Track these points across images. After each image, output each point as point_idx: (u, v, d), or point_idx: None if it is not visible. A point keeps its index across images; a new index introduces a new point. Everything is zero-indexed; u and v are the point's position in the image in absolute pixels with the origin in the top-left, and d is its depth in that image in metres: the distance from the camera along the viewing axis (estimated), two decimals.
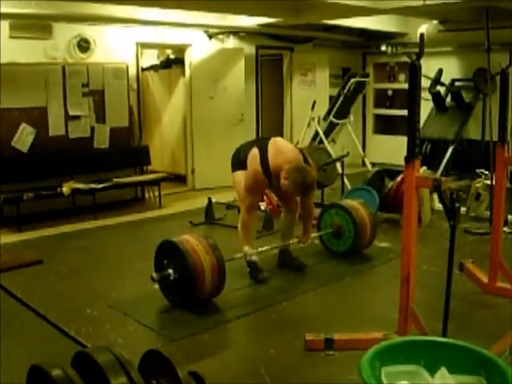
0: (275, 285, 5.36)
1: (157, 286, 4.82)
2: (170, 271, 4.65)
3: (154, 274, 4.69)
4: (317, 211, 6.46)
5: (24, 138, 7.93)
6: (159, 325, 4.60)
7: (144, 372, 2.69)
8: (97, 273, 5.85)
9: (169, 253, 4.74)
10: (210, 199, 7.76)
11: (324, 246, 6.29)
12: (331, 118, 9.81)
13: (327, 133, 9.81)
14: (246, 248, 5.30)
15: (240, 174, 5.34)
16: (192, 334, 4.33)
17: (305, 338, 4.00)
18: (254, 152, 5.25)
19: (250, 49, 10.57)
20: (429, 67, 9.40)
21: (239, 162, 5.39)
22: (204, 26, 9.58)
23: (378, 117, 12.89)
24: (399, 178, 7.21)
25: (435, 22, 9.62)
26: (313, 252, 6.24)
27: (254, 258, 5.44)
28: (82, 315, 4.68)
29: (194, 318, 4.60)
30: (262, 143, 5.35)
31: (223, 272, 4.72)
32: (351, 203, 6.23)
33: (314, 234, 6.05)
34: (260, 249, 5.44)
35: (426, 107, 10.26)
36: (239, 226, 5.39)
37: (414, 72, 3.48)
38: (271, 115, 11.89)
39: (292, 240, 5.72)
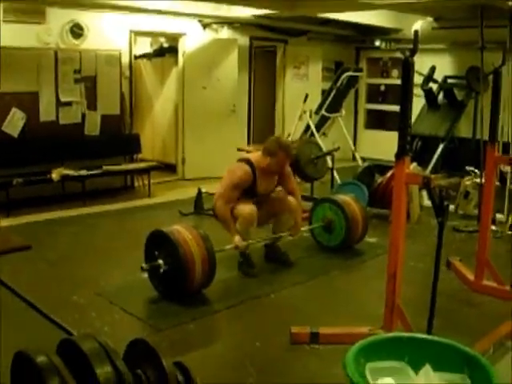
0: (263, 277, 5.37)
1: (146, 275, 4.81)
2: (160, 262, 4.64)
3: (144, 265, 4.69)
4: (307, 205, 6.47)
5: (15, 122, 7.88)
6: (146, 314, 4.60)
7: (129, 361, 2.69)
8: (85, 260, 5.84)
9: (159, 243, 4.72)
10: (199, 189, 7.76)
11: (315, 240, 6.29)
12: (323, 111, 9.82)
13: (319, 126, 9.82)
14: (236, 238, 5.23)
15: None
16: (178, 324, 4.34)
17: (290, 331, 4.01)
18: (231, 165, 5.53)
19: (243, 40, 10.54)
20: (422, 64, 9.41)
21: None
22: (198, 16, 9.54)
23: (369, 112, 12.90)
24: (389, 174, 7.23)
25: (430, 18, 9.64)
26: (302, 245, 6.25)
27: (247, 250, 5.45)
28: (69, 302, 4.68)
29: (181, 308, 4.60)
30: None
31: (214, 263, 4.71)
32: (344, 198, 6.23)
33: (304, 228, 6.06)
34: (250, 241, 5.42)
35: (418, 104, 10.27)
36: (221, 220, 5.37)
37: (407, 68, 3.48)
38: (263, 107, 11.87)
39: (283, 233, 5.70)
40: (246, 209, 5.27)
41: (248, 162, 5.36)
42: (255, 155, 5.49)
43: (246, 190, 5.33)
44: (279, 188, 5.69)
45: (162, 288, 4.77)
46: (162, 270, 4.64)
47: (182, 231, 4.72)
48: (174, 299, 4.68)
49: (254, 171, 5.31)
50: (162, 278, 4.71)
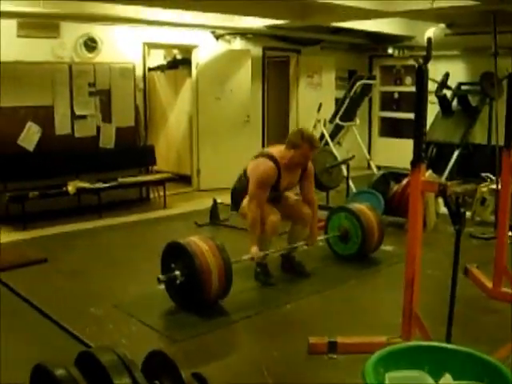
0: (279, 287, 5.36)
1: (163, 286, 4.81)
2: (177, 273, 4.63)
3: (161, 276, 4.68)
4: (323, 214, 6.45)
5: (30, 136, 7.94)
6: (163, 325, 4.61)
7: (147, 372, 2.69)
8: (101, 272, 5.85)
9: (176, 255, 4.71)
10: (214, 200, 7.76)
11: (331, 249, 6.27)
12: (337, 120, 9.80)
13: (333, 135, 9.80)
14: (254, 249, 5.17)
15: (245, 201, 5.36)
16: (195, 335, 4.33)
17: (308, 341, 3.99)
18: (252, 161, 5.38)
19: (256, 50, 10.57)
20: (435, 70, 9.38)
21: (240, 198, 5.43)
22: (211, 27, 9.58)
23: (383, 120, 12.88)
24: (404, 182, 7.20)
25: (442, 25, 9.61)
26: (318, 255, 6.23)
27: (265, 260, 5.45)
28: (86, 315, 4.69)
29: (198, 319, 4.60)
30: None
31: (230, 274, 4.69)
32: (359, 207, 6.21)
33: (320, 237, 6.05)
34: (266, 251, 5.38)
35: (433, 110, 10.24)
36: (249, 224, 5.23)
37: (421, 76, 3.47)
38: (277, 117, 11.88)
39: (299, 243, 5.67)
40: (273, 217, 5.24)
41: (271, 157, 5.27)
42: (277, 150, 5.38)
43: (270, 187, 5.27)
44: (296, 196, 5.68)
45: (179, 299, 4.77)
46: (178, 282, 4.63)
47: (199, 242, 4.72)
48: (191, 310, 4.67)
49: (277, 166, 5.23)
50: (178, 289, 4.70)
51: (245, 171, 5.45)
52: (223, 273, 4.64)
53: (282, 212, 5.43)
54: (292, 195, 5.74)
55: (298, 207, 5.59)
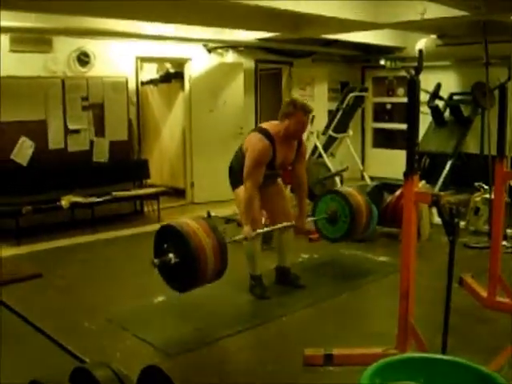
0: (274, 300, 5.34)
1: (156, 271, 4.64)
2: (171, 255, 4.48)
3: (155, 260, 4.52)
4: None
5: (23, 151, 7.94)
6: (158, 340, 4.57)
7: None
8: (95, 287, 5.84)
9: (169, 237, 4.58)
10: (208, 213, 7.75)
11: (320, 234, 6.24)
12: (330, 132, 9.83)
13: (326, 147, 9.84)
14: (247, 228, 5.11)
15: (242, 189, 5.29)
16: (190, 349, 4.32)
17: (304, 353, 3.98)
18: (248, 137, 5.37)
19: (249, 63, 10.60)
20: (427, 81, 9.43)
21: (237, 177, 5.35)
22: (203, 41, 9.61)
23: (376, 131, 12.90)
24: (398, 192, 7.21)
25: (433, 36, 9.66)
26: (312, 267, 6.23)
27: (259, 272, 5.43)
28: (81, 329, 4.68)
29: (193, 332, 4.59)
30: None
31: (225, 253, 4.58)
32: (347, 189, 6.22)
33: (309, 219, 5.98)
34: (259, 230, 5.27)
35: (425, 121, 10.28)
36: (243, 202, 5.17)
37: (412, 87, 3.49)
38: None
39: (287, 223, 5.55)
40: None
41: (265, 132, 5.24)
42: (272, 124, 5.37)
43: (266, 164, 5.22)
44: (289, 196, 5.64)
45: (174, 282, 4.60)
46: (172, 263, 4.46)
47: (191, 223, 4.61)
48: (185, 291, 4.60)
49: (272, 142, 5.20)
50: (173, 272, 4.54)
51: (241, 147, 5.43)
52: (218, 252, 4.52)
53: (269, 209, 5.48)
54: (281, 191, 5.72)
55: (284, 206, 5.62)
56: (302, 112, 5.22)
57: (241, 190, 5.26)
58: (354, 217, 5.89)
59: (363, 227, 6.09)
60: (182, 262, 4.48)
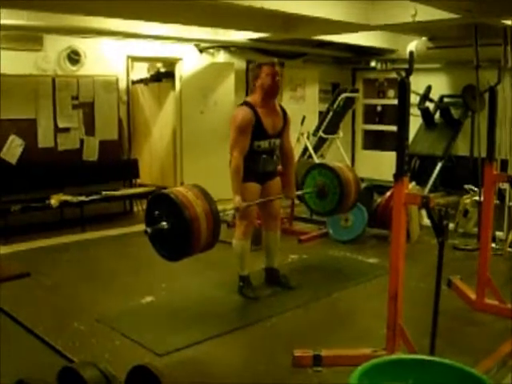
0: (264, 301, 5.34)
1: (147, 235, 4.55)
2: (163, 223, 4.43)
3: (148, 228, 4.47)
4: (308, 227, 6.43)
5: (13, 149, 7.90)
6: (146, 339, 4.55)
7: None
8: (84, 286, 5.81)
9: (160, 204, 4.54)
10: None
11: (309, 210, 6.24)
12: (321, 133, 9.83)
13: (316, 148, 9.83)
14: (237, 198, 5.10)
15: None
16: (179, 348, 4.31)
17: (293, 354, 3.98)
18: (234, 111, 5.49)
19: (240, 63, 10.58)
20: (418, 83, 9.47)
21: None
22: (195, 40, 9.60)
23: (367, 132, 12.91)
24: (388, 194, 7.22)
25: (424, 38, 9.69)
26: (302, 268, 6.23)
27: (247, 272, 5.43)
28: (69, 329, 4.65)
29: (182, 332, 4.58)
30: None
31: (217, 216, 4.52)
32: (334, 163, 6.20)
33: (298, 192, 5.99)
34: (250, 202, 5.22)
35: (415, 123, 10.30)
36: (231, 172, 5.20)
37: (403, 89, 3.49)
38: None
39: (278, 196, 5.55)
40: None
41: (244, 102, 5.39)
42: (251, 97, 5.47)
43: (256, 134, 5.23)
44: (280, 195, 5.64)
45: (167, 251, 4.55)
46: (165, 229, 4.42)
47: (181, 189, 4.60)
48: (179, 259, 4.57)
49: (255, 111, 5.23)
50: (165, 240, 4.48)
51: None
52: (210, 215, 4.45)
53: (262, 205, 5.48)
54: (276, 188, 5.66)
55: (276, 209, 5.64)
56: (267, 66, 5.35)
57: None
58: (344, 189, 5.84)
59: (353, 200, 6.05)
60: (175, 228, 4.41)
